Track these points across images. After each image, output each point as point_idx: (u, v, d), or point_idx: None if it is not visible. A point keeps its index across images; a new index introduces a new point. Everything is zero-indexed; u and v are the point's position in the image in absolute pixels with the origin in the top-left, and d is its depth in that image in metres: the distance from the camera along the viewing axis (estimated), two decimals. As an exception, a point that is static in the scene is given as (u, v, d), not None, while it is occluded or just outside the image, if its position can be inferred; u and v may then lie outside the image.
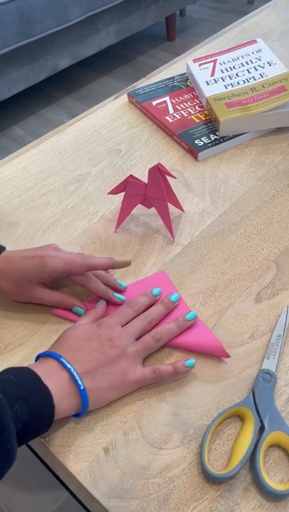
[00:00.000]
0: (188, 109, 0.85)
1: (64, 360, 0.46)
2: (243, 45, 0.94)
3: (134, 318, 0.53)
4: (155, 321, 0.53)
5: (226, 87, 0.84)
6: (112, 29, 2.30)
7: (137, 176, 0.65)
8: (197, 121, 0.82)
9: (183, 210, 0.69)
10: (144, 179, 0.65)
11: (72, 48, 2.18)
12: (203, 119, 0.83)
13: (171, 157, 0.79)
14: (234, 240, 0.64)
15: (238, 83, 0.84)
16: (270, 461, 0.45)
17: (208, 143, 0.78)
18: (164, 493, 0.43)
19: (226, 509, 0.42)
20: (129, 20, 2.35)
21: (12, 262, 0.55)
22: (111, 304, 0.57)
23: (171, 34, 2.78)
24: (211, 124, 0.82)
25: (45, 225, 0.69)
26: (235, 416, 0.48)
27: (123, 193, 0.65)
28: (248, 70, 0.87)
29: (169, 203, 0.64)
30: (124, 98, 0.92)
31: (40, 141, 0.84)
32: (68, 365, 0.46)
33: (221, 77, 0.86)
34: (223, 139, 0.79)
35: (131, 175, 0.64)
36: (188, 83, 0.92)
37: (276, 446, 0.46)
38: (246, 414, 0.46)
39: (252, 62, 0.88)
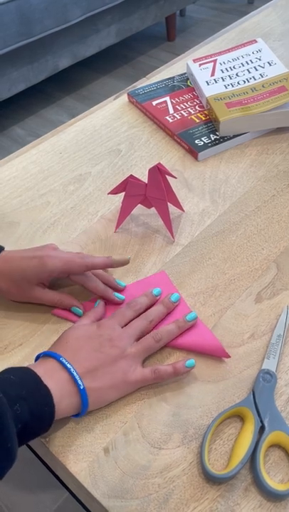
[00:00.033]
0: (189, 109, 0.85)
1: (64, 360, 0.46)
2: (243, 45, 0.94)
3: (134, 318, 0.53)
4: (155, 321, 0.53)
5: (226, 87, 0.84)
6: (113, 29, 2.30)
7: (137, 176, 0.65)
8: (197, 121, 0.82)
9: (183, 210, 0.69)
10: (144, 179, 0.65)
11: (73, 47, 2.18)
12: (204, 119, 0.83)
13: (171, 157, 0.79)
14: (234, 239, 0.64)
15: (238, 83, 0.84)
16: (271, 461, 0.45)
17: (209, 143, 0.78)
18: (164, 493, 0.43)
19: (226, 509, 0.42)
20: (129, 20, 2.35)
21: (11, 262, 0.55)
22: (110, 303, 0.57)
23: (172, 34, 2.78)
24: (211, 124, 0.82)
25: (45, 225, 0.69)
26: (236, 416, 0.48)
27: (123, 193, 0.65)
28: (248, 69, 0.87)
29: (169, 203, 0.64)
30: (124, 98, 0.92)
31: (41, 141, 0.84)
32: (68, 365, 0.46)
33: (221, 77, 0.86)
34: (223, 139, 0.79)
35: (131, 175, 0.64)
36: (189, 83, 0.92)
37: (276, 446, 0.46)
38: (246, 414, 0.46)
39: (252, 62, 0.88)
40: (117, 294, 0.57)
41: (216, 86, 0.84)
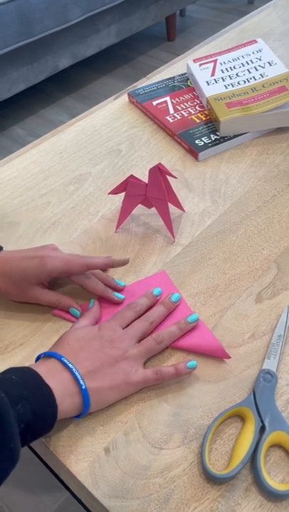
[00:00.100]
0: (189, 109, 0.85)
1: (65, 360, 0.46)
2: (244, 45, 0.94)
3: (135, 319, 0.53)
4: (156, 322, 0.53)
5: (227, 87, 0.84)
6: (113, 29, 2.30)
7: (137, 176, 0.65)
8: (197, 121, 0.82)
9: (183, 210, 0.69)
10: (145, 179, 0.65)
11: (73, 47, 2.18)
12: (204, 119, 0.83)
13: (171, 157, 0.79)
14: (235, 239, 0.64)
15: (238, 83, 0.84)
16: (271, 461, 0.45)
17: (209, 143, 0.78)
18: (164, 493, 0.43)
19: (226, 509, 0.42)
20: (129, 20, 2.35)
21: (10, 263, 0.55)
22: (110, 303, 0.57)
23: (172, 34, 2.78)
24: (212, 124, 0.82)
25: (45, 225, 0.69)
26: (236, 416, 0.48)
27: (123, 193, 0.65)
28: (248, 70, 0.87)
29: (169, 203, 0.64)
30: (124, 98, 0.92)
31: (41, 141, 0.84)
32: (70, 365, 0.46)
33: (222, 77, 0.86)
34: (223, 139, 0.79)
35: (131, 175, 0.64)
36: (189, 83, 0.92)
37: (277, 446, 0.46)
38: (247, 414, 0.46)
39: (252, 62, 0.88)
40: (116, 293, 0.57)
41: (216, 86, 0.84)
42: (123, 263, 0.58)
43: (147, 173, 0.63)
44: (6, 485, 0.67)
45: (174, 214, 0.68)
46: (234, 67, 0.88)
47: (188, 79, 0.93)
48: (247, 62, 0.89)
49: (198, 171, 0.76)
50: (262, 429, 0.45)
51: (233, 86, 0.84)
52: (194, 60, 0.92)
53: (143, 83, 0.95)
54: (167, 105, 0.87)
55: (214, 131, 0.80)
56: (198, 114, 0.84)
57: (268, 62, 0.87)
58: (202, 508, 0.42)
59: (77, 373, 0.46)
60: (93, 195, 0.73)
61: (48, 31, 1.99)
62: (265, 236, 0.65)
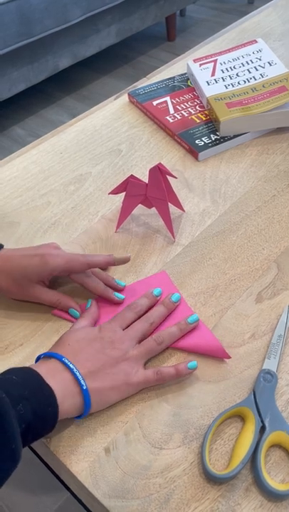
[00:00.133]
0: (189, 109, 0.85)
1: (66, 360, 0.46)
2: (244, 45, 0.94)
3: (135, 320, 0.53)
4: (156, 322, 0.53)
5: (227, 87, 0.84)
6: (113, 29, 2.30)
7: (137, 176, 0.65)
8: (198, 121, 0.82)
9: (183, 210, 0.69)
10: (145, 179, 0.65)
11: (73, 48, 2.18)
12: (204, 119, 0.83)
13: (171, 157, 0.79)
14: (235, 239, 0.64)
15: (238, 83, 0.84)
16: (271, 461, 0.45)
17: (209, 143, 0.78)
18: (165, 493, 0.43)
19: (227, 509, 0.42)
20: (129, 20, 2.35)
21: (12, 261, 0.55)
22: (109, 303, 0.57)
23: (172, 34, 2.78)
24: (212, 124, 0.82)
25: (45, 225, 0.69)
26: (236, 416, 0.48)
27: (124, 193, 0.65)
28: (248, 69, 0.87)
29: (169, 203, 0.64)
30: (124, 98, 0.92)
31: (41, 141, 0.84)
32: (71, 365, 0.46)
33: (222, 77, 0.86)
34: (223, 139, 0.79)
35: (131, 175, 0.64)
36: (189, 83, 0.92)
37: (277, 446, 0.46)
38: (247, 414, 0.46)
39: (252, 62, 0.88)
40: (116, 293, 0.57)
41: (217, 86, 0.84)
42: (124, 261, 0.59)
43: (147, 173, 0.63)
44: (7, 485, 0.67)
45: (174, 214, 0.68)
46: (234, 67, 0.88)
47: (188, 79, 0.93)
48: (247, 62, 0.89)
49: (198, 171, 0.76)
50: (262, 429, 0.45)
51: (233, 86, 0.84)
52: (194, 60, 0.92)
53: (143, 83, 0.95)
54: (167, 105, 0.87)
55: (214, 131, 0.80)
56: (199, 114, 0.84)
57: (268, 62, 0.87)
58: (202, 508, 0.42)
59: (78, 373, 0.46)
60: (93, 195, 0.73)
61: (48, 31, 1.99)
62: (266, 236, 0.65)
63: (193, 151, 0.77)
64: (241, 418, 0.47)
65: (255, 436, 0.45)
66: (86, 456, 0.45)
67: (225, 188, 0.72)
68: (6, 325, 0.56)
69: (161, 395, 0.49)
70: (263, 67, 0.86)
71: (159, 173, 0.62)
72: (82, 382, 0.45)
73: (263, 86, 0.82)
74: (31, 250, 0.56)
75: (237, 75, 0.86)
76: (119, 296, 0.57)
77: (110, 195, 0.71)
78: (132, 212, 0.67)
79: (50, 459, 0.48)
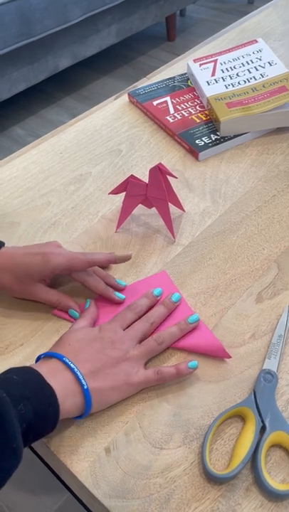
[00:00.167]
0: (189, 109, 0.85)
1: (67, 360, 0.46)
2: (244, 45, 0.94)
3: (135, 321, 0.53)
4: (157, 323, 0.53)
5: (227, 87, 0.84)
6: (113, 29, 2.30)
7: (137, 176, 0.65)
8: (198, 121, 0.82)
9: (184, 210, 0.69)
10: (145, 179, 0.65)
11: (73, 48, 2.18)
12: (204, 119, 0.83)
13: (171, 157, 0.79)
14: (235, 239, 0.64)
15: (238, 83, 0.84)
16: (272, 461, 0.45)
17: (209, 143, 0.78)
18: (165, 493, 0.43)
19: (227, 509, 0.42)
20: (129, 20, 2.35)
21: (14, 258, 0.55)
22: (109, 303, 0.57)
23: (172, 34, 2.78)
24: (212, 124, 0.82)
25: (46, 225, 0.69)
26: (237, 416, 0.48)
27: (124, 193, 0.65)
28: (248, 69, 0.87)
29: (169, 203, 0.64)
30: (124, 98, 0.92)
31: (41, 141, 0.84)
32: (72, 365, 0.46)
33: (222, 77, 0.86)
34: (223, 139, 0.79)
35: (132, 175, 0.64)
36: (189, 83, 0.92)
37: (277, 446, 0.46)
38: (247, 414, 0.46)
39: (252, 62, 0.88)
40: (117, 293, 0.57)
41: (217, 86, 0.84)
42: (125, 259, 0.59)
43: (148, 173, 0.63)
44: (7, 485, 0.67)
45: (174, 214, 0.68)
46: (234, 67, 0.88)
47: (188, 79, 0.93)
48: (247, 62, 0.89)
49: (198, 171, 0.76)
50: (262, 429, 0.45)
51: (233, 86, 0.84)
52: (194, 60, 0.92)
53: (143, 83, 0.95)
54: (167, 105, 0.87)
55: (214, 131, 0.80)
56: (199, 114, 0.84)
57: (268, 62, 0.87)
58: (203, 508, 0.42)
59: (78, 373, 0.46)
60: (93, 195, 0.73)
61: (48, 31, 1.99)
62: (266, 236, 0.65)
63: (194, 151, 0.77)
64: (242, 418, 0.47)
65: (255, 436, 0.45)
66: (86, 456, 0.45)
67: (225, 188, 0.72)
68: (6, 325, 0.56)
69: (162, 395, 0.49)
70: (263, 67, 0.86)
71: (159, 173, 0.62)
72: (83, 381, 0.45)
73: (263, 86, 0.82)
74: (34, 248, 0.56)
75: (237, 74, 0.86)
76: (120, 295, 0.57)
77: (110, 195, 0.71)
78: (132, 212, 0.67)
79: (50, 459, 0.48)
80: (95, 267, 0.58)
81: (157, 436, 0.46)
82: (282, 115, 0.79)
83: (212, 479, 0.43)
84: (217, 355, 0.52)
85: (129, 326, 0.53)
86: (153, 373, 0.48)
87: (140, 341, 0.51)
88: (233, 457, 0.44)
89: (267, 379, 0.49)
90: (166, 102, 0.87)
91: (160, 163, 0.62)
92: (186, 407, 0.48)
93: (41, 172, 0.78)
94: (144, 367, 0.50)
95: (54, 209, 0.71)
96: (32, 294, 0.56)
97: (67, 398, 0.44)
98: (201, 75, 0.88)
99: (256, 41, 0.94)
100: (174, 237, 0.65)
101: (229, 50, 0.93)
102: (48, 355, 0.48)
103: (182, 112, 0.85)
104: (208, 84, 0.85)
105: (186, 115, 0.84)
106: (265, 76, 0.84)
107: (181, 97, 0.88)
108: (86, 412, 0.46)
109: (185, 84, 0.92)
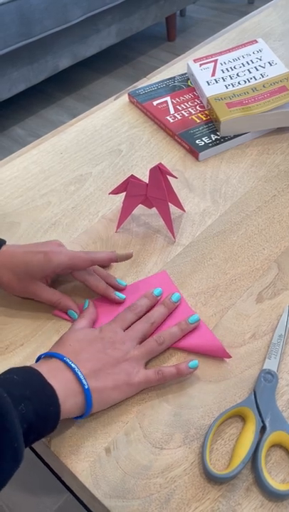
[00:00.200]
0: (189, 109, 0.85)
1: (68, 360, 0.46)
2: (244, 45, 0.94)
3: (135, 321, 0.53)
4: (157, 323, 0.53)
5: (227, 87, 0.84)
6: (113, 29, 2.30)
7: (138, 176, 0.65)
8: (198, 121, 0.82)
9: (184, 210, 0.69)
10: (145, 179, 0.65)
11: (73, 48, 2.18)
12: (204, 119, 0.83)
13: (172, 157, 0.79)
14: (235, 239, 0.64)
15: (238, 83, 0.84)
16: (272, 461, 0.45)
17: (209, 143, 0.78)
18: (165, 493, 0.43)
19: (227, 509, 0.42)
20: (129, 20, 2.35)
21: (15, 257, 0.55)
22: (108, 302, 0.57)
23: (172, 34, 2.78)
24: (212, 124, 0.82)
25: (46, 225, 0.69)
26: (237, 416, 0.48)
27: (124, 193, 0.65)
28: (248, 70, 0.87)
29: (170, 203, 0.64)
30: (124, 98, 0.92)
31: (41, 141, 0.84)
32: (72, 365, 0.46)
33: (222, 77, 0.86)
34: (223, 139, 0.79)
35: (132, 175, 0.64)
36: (189, 83, 0.92)
37: (278, 446, 0.46)
38: (248, 414, 0.46)
39: (253, 62, 0.88)
40: (117, 293, 0.57)
41: (217, 86, 0.84)
42: (127, 257, 0.59)
43: (148, 173, 0.63)
44: (7, 485, 0.67)
45: (174, 214, 0.68)
46: (234, 67, 0.88)
47: (188, 79, 0.93)
48: (247, 62, 0.89)
49: (198, 171, 0.76)
50: (263, 429, 0.45)
51: (233, 86, 0.84)
52: (195, 60, 0.92)
53: (143, 83, 0.95)
54: (167, 105, 0.87)
55: (215, 131, 0.80)
56: (199, 114, 0.84)
57: (269, 62, 0.87)
58: (203, 508, 0.42)
59: (79, 373, 0.46)
60: (94, 195, 0.73)
61: (48, 31, 1.99)
62: (266, 236, 0.65)
63: (194, 151, 0.77)
64: (242, 418, 0.47)
65: (255, 436, 0.45)
66: (87, 456, 0.45)
67: (225, 188, 0.72)
68: (6, 325, 0.56)
69: (162, 395, 0.49)
70: (264, 67, 0.86)
71: (159, 173, 0.62)
72: (83, 381, 0.45)
73: (264, 86, 0.82)
74: (35, 247, 0.56)
75: (237, 75, 0.86)
76: (120, 295, 0.57)
77: (110, 195, 0.71)
78: (133, 212, 0.67)
79: (50, 460, 0.48)
80: (95, 267, 0.58)
81: (157, 436, 0.46)
82: (283, 115, 0.79)
83: (212, 479, 0.43)
84: (217, 355, 0.52)
85: (129, 326, 0.53)
86: (153, 373, 0.48)
87: (141, 342, 0.51)
88: (233, 457, 0.44)
89: (267, 379, 0.49)
90: (166, 102, 0.87)
91: (160, 163, 0.62)
92: (187, 407, 0.48)
93: (41, 172, 0.78)
94: (145, 367, 0.50)
95: (54, 209, 0.71)
96: (32, 293, 0.56)
97: (68, 398, 0.44)
98: (201, 75, 0.88)
99: (256, 41, 0.94)
100: (174, 237, 0.65)
101: (229, 50, 0.93)
102: (49, 355, 0.48)
103: (182, 112, 0.85)
104: (208, 84, 0.85)
105: (186, 115, 0.84)
106: (265, 76, 0.84)
107: (181, 97, 0.88)
108: (87, 411, 0.46)
109: (185, 85, 0.92)
